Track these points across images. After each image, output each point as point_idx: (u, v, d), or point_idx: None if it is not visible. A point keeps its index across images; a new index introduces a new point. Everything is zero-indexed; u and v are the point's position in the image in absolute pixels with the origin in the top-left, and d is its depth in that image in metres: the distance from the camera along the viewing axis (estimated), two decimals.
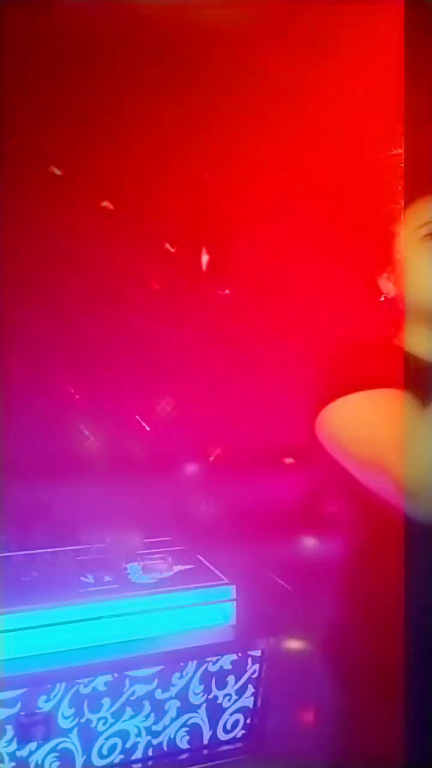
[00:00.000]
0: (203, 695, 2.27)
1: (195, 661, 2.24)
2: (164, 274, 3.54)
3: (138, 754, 2.20)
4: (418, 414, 1.20)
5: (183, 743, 2.26)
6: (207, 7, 2.58)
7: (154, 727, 2.21)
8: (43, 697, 2.05)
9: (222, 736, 2.32)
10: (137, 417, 4.17)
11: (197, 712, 2.27)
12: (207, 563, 2.61)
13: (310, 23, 2.69)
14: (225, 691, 2.30)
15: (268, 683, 2.33)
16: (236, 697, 2.32)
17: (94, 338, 3.59)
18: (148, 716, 2.20)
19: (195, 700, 2.26)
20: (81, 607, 2.21)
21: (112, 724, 2.16)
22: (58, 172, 3.16)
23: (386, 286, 1.70)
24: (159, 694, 2.20)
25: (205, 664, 2.26)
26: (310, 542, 3.73)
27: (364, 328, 1.88)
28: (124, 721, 2.17)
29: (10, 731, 2.02)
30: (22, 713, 2.03)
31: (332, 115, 2.99)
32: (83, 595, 2.28)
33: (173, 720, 2.24)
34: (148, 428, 3.90)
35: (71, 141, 3.12)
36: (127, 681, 2.15)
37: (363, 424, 1.35)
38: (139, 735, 2.20)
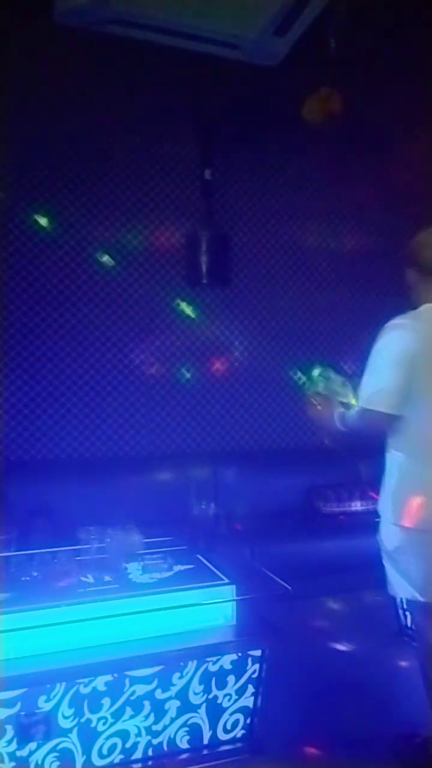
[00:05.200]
0: (203, 695, 2.27)
1: (195, 661, 2.24)
2: None
3: (138, 754, 2.20)
4: None
5: (183, 743, 2.26)
6: None
7: (154, 727, 2.21)
8: (43, 697, 2.05)
9: (222, 736, 2.31)
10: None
11: (197, 712, 2.27)
12: (207, 563, 2.61)
13: None
14: (225, 691, 2.30)
15: (268, 683, 2.33)
16: (236, 697, 2.31)
17: None
18: (148, 716, 2.20)
19: (195, 700, 2.26)
20: (81, 607, 2.21)
21: (112, 724, 2.15)
22: None
23: None
24: (159, 694, 2.20)
25: (205, 664, 2.26)
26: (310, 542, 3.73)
27: None
28: (124, 721, 2.17)
29: (10, 731, 2.02)
30: (22, 713, 2.03)
31: None
32: (83, 595, 2.28)
33: (173, 720, 2.24)
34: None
35: None
36: (127, 681, 2.15)
37: None
38: (139, 735, 2.20)
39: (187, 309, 4.28)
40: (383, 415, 2.06)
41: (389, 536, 2.19)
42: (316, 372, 2.39)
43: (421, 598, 2.14)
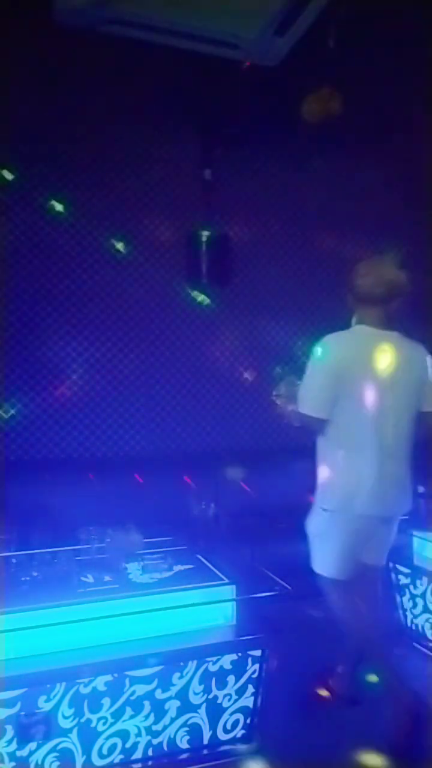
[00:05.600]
0: (203, 695, 2.27)
1: (195, 661, 2.24)
2: None
3: (138, 754, 2.20)
4: None
5: (183, 743, 2.26)
6: None
7: (154, 727, 2.21)
8: (43, 697, 2.05)
9: (222, 736, 2.31)
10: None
11: (197, 712, 2.27)
12: (207, 563, 2.61)
13: None
14: (225, 691, 2.30)
15: (268, 683, 2.33)
16: (236, 697, 2.31)
17: None
18: (148, 716, 2.20)
19: (195, 700, 2.26)
20: (81, 607, 2.21)
21: (112, 724, 2.15)
22: None
23: None
24: (159, 694, 2.20)
25: (205, 664, 2.26)
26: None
27: None
28: (124, 721, 2.17)
29: (10, 731, 2.02)
30: (22, 713, 2.03)
31: None
32: (83, 595, 2.28)
33: (173, 720, 2.24)
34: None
35: None
36: (127, 681, 2.15)
37: None
38: (139, 735, 2.20)
39: (187, 309, 4.27)
40: (312, 419, 2.42)
41: (314, 519, 2.51)
42: (279, 373, 2.70)
43: (327, 575, 2.46)
